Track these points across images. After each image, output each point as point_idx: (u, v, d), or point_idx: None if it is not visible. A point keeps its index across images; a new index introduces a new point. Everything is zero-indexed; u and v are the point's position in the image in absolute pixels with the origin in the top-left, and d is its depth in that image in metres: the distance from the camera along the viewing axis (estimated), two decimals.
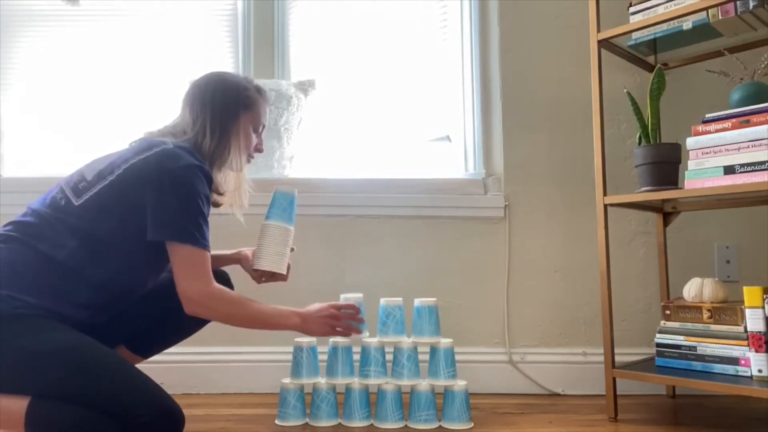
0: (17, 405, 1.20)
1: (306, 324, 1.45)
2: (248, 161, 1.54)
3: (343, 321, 1.50)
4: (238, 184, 1.57)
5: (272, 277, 1.53)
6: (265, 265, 1.45)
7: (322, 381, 1.70)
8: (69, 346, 1.23)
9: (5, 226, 1.35)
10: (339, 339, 1.72)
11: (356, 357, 1.75)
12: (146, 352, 1.57)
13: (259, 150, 1.56)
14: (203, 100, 1.44)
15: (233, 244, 1.68)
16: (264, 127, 1.55)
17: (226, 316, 1.37)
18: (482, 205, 2.17)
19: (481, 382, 2.04)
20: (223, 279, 1.61)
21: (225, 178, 1.52)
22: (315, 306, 1.49)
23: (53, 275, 1.27)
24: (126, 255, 1.32)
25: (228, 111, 1.45)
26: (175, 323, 1.53)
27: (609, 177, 1.81)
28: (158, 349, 1.60)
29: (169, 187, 1.29)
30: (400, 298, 1.74)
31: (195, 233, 1.30)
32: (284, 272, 1.50)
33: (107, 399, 1.20)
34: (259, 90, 1.52)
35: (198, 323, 1.57)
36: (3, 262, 1.27)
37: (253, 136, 1.52)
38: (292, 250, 1.53)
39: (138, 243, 1.30)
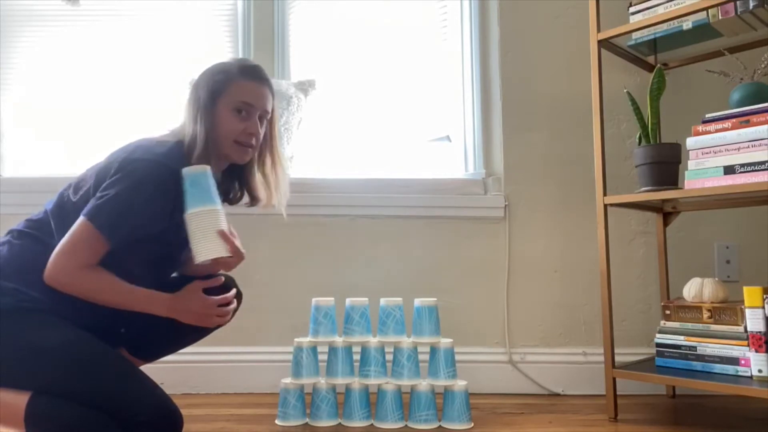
0: (18, 400, 1.21)
1: (175, 314, 1.34)
2: (241, 149, 1.40)
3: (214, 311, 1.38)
4: (269, 182, 1.50)
5: (217, 263, 1.37)
6: (200, 258, 1.30)
7: (322, 381, 1.70)
8: (70, 342, 1.24)
9: (21, 222, 1.38)
10: (338, 339, 1.73)
11: (356, 357, 1.75)
12: (146, 357, 1.56)
13: (250, 134, 1.40)
14: (190, 97, 1.41)
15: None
16: (252, 106, 1.39)
17: (84, 293, 1.28)
18: (482, 205, 2.17)
19: (481, 382, 2.03)
20: (229, 286, 1.55)
21: (233, 176, 1.46)
22: (191, 297, 1.34)
23: None
24: (117, 252, 1.30)
25: (206, 101, 1.37)
26: (175, 332, 1.49)
27: (609, 177, 1.81)
28: (159, 355, 1.58)
29: (119, 174, 1.27)
30: (400, 298, 1.74)
31: (105, 217, 1.24)
32: (223, 254, 1.31)
33: (105, 397, 1.20)
34: (241, 68, 1.41)
35: (199, 333, 1.54)
36: (14, 257, 1.30)
37: (235, 119, 1.38)
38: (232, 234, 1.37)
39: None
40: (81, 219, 1.25)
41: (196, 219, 1.28)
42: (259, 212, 1.55)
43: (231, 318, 1.51)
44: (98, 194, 1.27)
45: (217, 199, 1.32)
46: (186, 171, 1.29)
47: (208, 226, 1.29)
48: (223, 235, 1.30)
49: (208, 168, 1.31)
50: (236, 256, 1.34)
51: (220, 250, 1.30)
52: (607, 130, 1.88)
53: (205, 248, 1.28)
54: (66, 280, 1.25)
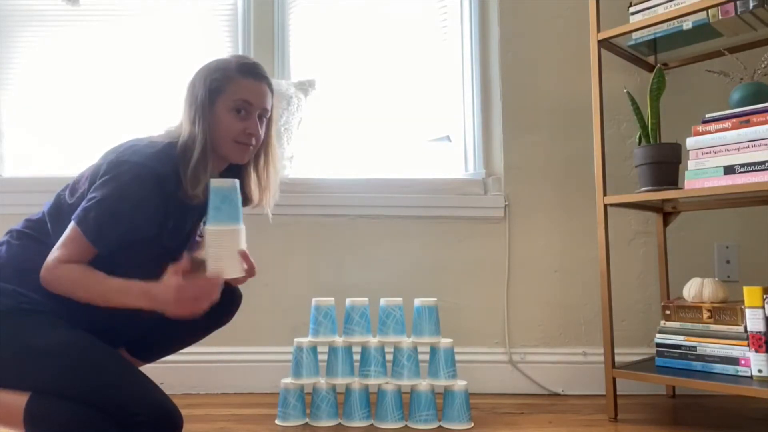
0: (17, 401, 1.21)
1: (157, 306, 1.23)
2: (241, 149, 1.38)
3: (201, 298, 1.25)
4: (260, 181, 1.48)
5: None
6: (218, 272, 1.27)
7: (322, 381, 1.70)
8: (69, 342, 1.24)
9: (20, 223, 1.37)
10: (338, 339, 1.72)
11: (356, 357, 1.75)
12: (146, 358, 1.55)
13: (250, 134, 1.37)
14: (187, 96, 1.38)
15: None
16: (251, 104, 1.36)
17: (68, 291, 1.24)
18: (482, 205, 2.17)
19: (481, 382, 2.03)
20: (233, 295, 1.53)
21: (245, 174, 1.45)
22: (171, 285, 1.22)
23: None
24: (114, 255, 1.29)
25: (204, 100, 1.34)
26: (175, 331, 1.50)
27: (609, 177, 1.81)
28: (158, 355, 1.58)
29: (107, 177, 1.26)
30: (400, 298, 1.74)
31: (92, 223, 1.23)
32: (240, 275, 1.30)
33: (104, 397, 1.20)
34: (240, 66, 1.38)
35: (199, 332, 1.55)
36: (13, 257, 1.30)
37: (235, 119, 1.35)
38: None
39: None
40: (71, 224, 1.25)
41: (220, 236, 1.26)
42: (259, 212, 1.55)
43: (230, 319, 1.52)
44: (87, 196, 1.26)
45: (242, 216, 1.30)
46: (216, 184, 1.27)
47: (232, 245, 1.27)
48: (244, 255, 1.29)
49: (237, 182, 1.29)
50: (249, 274, 1.32)
51: (238, 271, 1.29)
52: (607, 130, 1.88)
53: (224, 267, 1.27)
54: (47, 276, 1.23)
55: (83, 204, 1.26)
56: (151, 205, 1.27)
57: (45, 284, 1.25)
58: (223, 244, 1.26)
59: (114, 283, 1.24)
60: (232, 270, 1.28)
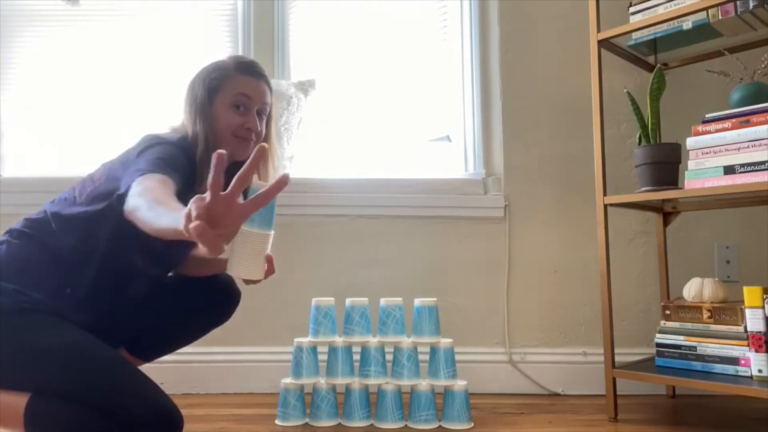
0: (17, 401, 1.21)
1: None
2: (241, 143, 1.38)
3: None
4: (264, 181, 1.48)
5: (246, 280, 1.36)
6: (240, 273, 1.28)
7: (322, 381, 1.70)
8: (69, 342, 1.24)
9: (19, 222, 1.37)
10: (338, 338, 1.72)
11: (356, 357, 1.75)
12: (146, 356, 1.55)
13: (249, 129, 1.38)
14: (187, 96, 1.40)
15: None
16: (250, 99, 1.39)
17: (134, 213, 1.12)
18: (482, 205, 2.17)
19: (481, 382, 2.04)
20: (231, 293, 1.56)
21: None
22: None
23: (57, 272, 1.28)
24: (121, 245, 1.29)
25: (204, 99, 1.37)
26: (175, 331, 1.52)
27: (609, 177, 1.81)
28: (158, 355, 1.58)
29: (142, 151, 1.25)
30: (400, 298, 1.74)
31: (153, 163, 1.19)
32: (261, 278, 1.30)
33: (104, 398, 1.20)
34: (237, 64, 1.41)
35: (198, 332, 1.56)
36: (13, 257, 1.29)
37: (234, 115, 1.37)
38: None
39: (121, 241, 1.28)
40: (136, 179, 1.15)
41: (252, 238, 1.26)
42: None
43: (229, 318, 1.54)
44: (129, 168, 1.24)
45: (274, 222, 1.30)
46: (259, 187, 1.28)
47: (261, 249, 1.27)
48: (269, 260, 1.31)
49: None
50: (267, 276, 1.33)
51: (259, 274, 1.30)
52: (607, 130, 1.88)
53: (247, 267, 1.27)
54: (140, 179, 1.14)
55: (132, 169, 1.20)
56: (182, 169, 1.26)
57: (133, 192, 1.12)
58: (254, 247, 1.26)
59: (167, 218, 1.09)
60: (254, 272, 1.29)
